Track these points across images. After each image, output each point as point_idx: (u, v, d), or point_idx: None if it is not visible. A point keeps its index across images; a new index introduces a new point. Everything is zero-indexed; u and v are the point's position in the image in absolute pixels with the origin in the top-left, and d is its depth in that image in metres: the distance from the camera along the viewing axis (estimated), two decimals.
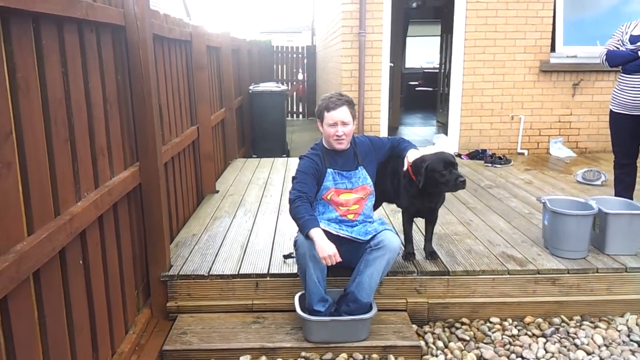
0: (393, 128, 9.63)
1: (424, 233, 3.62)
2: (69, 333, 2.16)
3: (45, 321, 1.95)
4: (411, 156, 3.19)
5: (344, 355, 2.90)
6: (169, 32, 3.80)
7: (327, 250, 2.73)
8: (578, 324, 3.28)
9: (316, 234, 2.77)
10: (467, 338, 3.12)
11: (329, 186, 3.07)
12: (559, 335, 3.15)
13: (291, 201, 2.93)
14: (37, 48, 1.95)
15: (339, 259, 2.74)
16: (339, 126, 3.02)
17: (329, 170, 3.08)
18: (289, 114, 14.31)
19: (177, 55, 4.16)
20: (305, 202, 2.91)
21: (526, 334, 3.17)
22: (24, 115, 1.84)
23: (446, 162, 3.11)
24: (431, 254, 3.50)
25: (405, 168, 3.23)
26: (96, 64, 2.52)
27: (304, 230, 2.82)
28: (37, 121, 1.94)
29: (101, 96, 2.57)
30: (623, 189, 4.28)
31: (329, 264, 2.76)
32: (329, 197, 3.07)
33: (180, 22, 4.37)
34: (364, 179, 3.15)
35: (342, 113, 3.02)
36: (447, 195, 3.86)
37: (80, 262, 2.28)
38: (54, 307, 2.03)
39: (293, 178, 3.08)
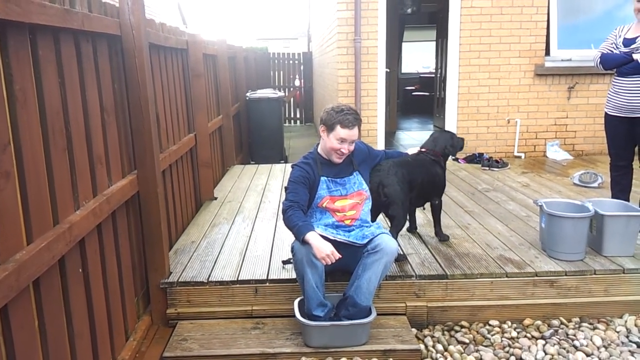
0: (390, 133, 9.65)
1: (419, 235, 3.64)
2: (70, 341, 2.16)
3: (46, 329, 1.96)
4: (415, 150, 3.83)
5: (344, 359, 2.90)
6: (165, 40, 3.82)
7: (325, 250, 2.74)
8: (577, 325, 3.29)
9: (312, 236, 2.79)
10: (467, 341, 3.13)
11: (323, 194, 3.08)
12: (558, 337, 3.16)
13: (284, 211, 2.96)
14: (34, 59, 1.97)
15: (337, 256, 2.75)
16: (347, 143, 3.04)
17: (322, 178, 3.10)
18: (287, 120, 14.35)
19: (173, 64, 4.18)
20: (297, 210, 2.93)
21: (525, 336, 3.18)
22: (22, 125, 1.85)
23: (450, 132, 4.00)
24: (445, 236, 3.95)
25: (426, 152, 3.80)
26: (93, 73, 2.54)
27: (299, 236, 2.84)
28: (35, 131, 1.96)
29: (98, 105, 2.59)
30: (619, 190, 4.29)
31: (329, 263, 2.77)
32: (324, 205, 3.08)
33: (177, 30, 4.39)
34: (359, 184, 3.17)
35: (355, 133, 3.04)
36: (445, 198, 3.93)
37: (80, 270, 2.29)
38: (54, 315, 2.04)
39: (285, 188, 3.10)
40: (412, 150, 3.81)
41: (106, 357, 2.55)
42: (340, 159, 3.11)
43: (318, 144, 3.22)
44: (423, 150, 3.81)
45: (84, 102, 2.42)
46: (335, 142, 3.03)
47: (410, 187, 3.54)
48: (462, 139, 3.99)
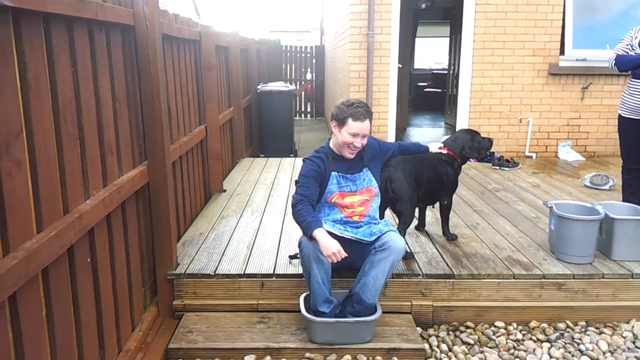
0: (401, 129, 9.63)
1: (427, 233, 3.63)
2: (76, 330, 2.18)
3: (53, 318, 1.97)
4: (436, 145, 3.73)
5: (348, 356, 2.90)
6: (178, 31, 3.82)
7: (331, 248, 2.74)
8: (583, 329, 3.27)
9: (319, 233, 2.78)
10: (472, 342, 3.12)
11: (333, 189, 3.08)
12: (564, 340, 3.14)
13: (294, 205, 2.95)
14: (47, 48, 1.98)
15: (344, 254, 2.75)
16: (359, 137, 3.03)
17: (333, 173, 3.09)
18: (297, 114, 14.34)
19: (186, 55, 4.18)
20: (307, 205, 2.92)
21: (531, 338, 3.17)
22: (34, 114, 1.86)
23: (473, 132, 3.85)
24: (453, 236, 3.93)
25: (445, 152, 3.71)
26: (106, 63, 2.54)
27: (307, 232, 2.84)
28: (47, 120, 1.96)
29: (110, 95, 2.60)
30: (631, 194, 4.26)
31: (335, 261, 2.77)
32: (333, 200, 3.08)
33: (190, 21, 4.39)
34: (368, 180, 3.16)
35: (366, 126, 3.03)
36: (454, 197, 3.91)
37: (88, 259, 2.30)
38: (62, 304, 2.05)
39: (296, 182, 3.10)
40: (433, 145, 3.72)
41: (112, 347, 2.56)
42: (353, 154, 3.10)
43: (330, 138, 3.21)
44: (440, 148, 3.73)
45: (96, 91, 2.42)
46: (347, 136, 3.02)
47: (417, 184, 3.53)
48: (488, 140, 3.86)
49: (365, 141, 3.09)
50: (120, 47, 2.76)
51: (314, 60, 14.87)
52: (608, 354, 3.01)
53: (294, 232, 3.96)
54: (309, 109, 14.94)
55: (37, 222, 1.90)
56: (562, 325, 3.28)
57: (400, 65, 7.77)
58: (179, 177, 3.91)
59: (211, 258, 3.51)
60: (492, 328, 3.27)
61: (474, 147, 3.76)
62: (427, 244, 3.80)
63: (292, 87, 8.65)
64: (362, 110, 3.01)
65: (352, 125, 3.00)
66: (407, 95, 10.95)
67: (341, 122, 3.03)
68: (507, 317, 3.33)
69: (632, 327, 3.28)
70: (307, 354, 2.91)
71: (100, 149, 2.47)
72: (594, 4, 7.13)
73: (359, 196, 3.12)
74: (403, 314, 3.25)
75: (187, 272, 3.30)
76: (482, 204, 4.86)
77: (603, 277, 3.35)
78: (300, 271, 3.16)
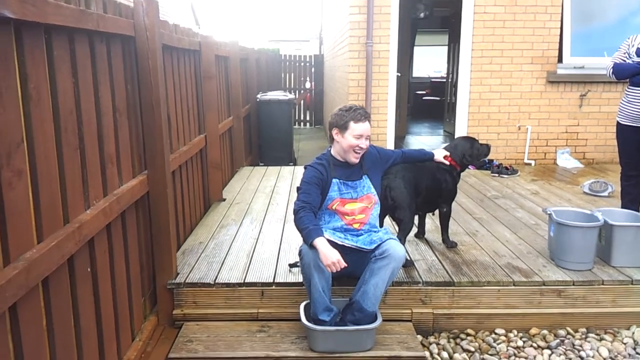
0: (400, 137, 9.64)
1: (427, 241, 3.63)
2: (77, 340, 2.18)
3: (54, 328, 1.97)
4: (441, 153, 3.71)
5: None
6: (178, 42, 3.84)
7: (331, 257, 2.74)
8: (584, 336, 3.27)
9: (320, 242, 2.79)
10: (472, 349, 3.12)
11: (334, 196, 3.09)
12: (565, 347, 3.14)
13: (295, 212, 2.96)
14: (48, 59, 1.99)
15: (343, 264, 2.75)
16: (363, 139, 3.06)
17: (334, 180, 3.10)
18: (296, 123, 14.37)
19: (185, 65, 4.20)
20: (309, 212, 2.93)
21: (531, 345, 3.17)
22: (35, 124, 1.87)
23: (472, 139, 3.87)
24: (452, 243, 3.94)
25: (448, 163, 3.70)
26: (106, 74, 2.55)
27: (307, 240, 2.84)
28: (48, 130, 1.97)
29: (111, 105, 2.61)
30: (629, 200, 4.26)
31: (334, 271, 2.77)
32: (334, 207, 3.08)
33: (190, 32, 4.41)
34: (368, 187, 3.17)
35: (368, 127, 3.08)
36: (453, 205, 3.91)
37: (88, 269, 2.31)
38: (62, 314, 2.06)
39: (298, 188, 3.11)
40: (438, 152, 3.70)
41: (112, 357, 2.56)
42: (358, 158, 3.12)
43: (331, 146, 3.22)
44: (446, 157, 3.71)
45: (97, 102, 2.44)
46: (352, 139, 3.05)
47: (416, 191, 3.54)
48: (486, 147, 3.86)
49: (368, 143, 3.12)
50: (121, 58, 2.78)
51: (312, 70, 14.93)
52: None
53: (294, 241, 3.96)
54: (308, 118, 14.97)
55: (38, 232, 1.91)
56: (562, 332, 3.28)
57: (399, 74, 7.80)
58: (179, 186, 3.91)
59: (211, 267, 3.51)
60: (493, 335, 3.27)
61: (473, 154, 3.78)
62: (427, 252, 3.80)
63: (291, 96, 8.68)
64: (362, 112, 3.08)
65: (355, 127, 3.03)
66: (405, 104, 10.97)
67: (343, 127, 3.06)
68: (507, 324, 3.33)
69: (633, 333, 3.28)
70: None
71: (101, 159, 2.48)
72: (592, 12, 7.17)
73: (360, 203, 3.13)
74: (403, 322, 3.25)
75: (186, 281, 3.30)
76: (482, 212, 4.86)
77: (603, 284, 3.35)
78: (300, 279, 3.16)
